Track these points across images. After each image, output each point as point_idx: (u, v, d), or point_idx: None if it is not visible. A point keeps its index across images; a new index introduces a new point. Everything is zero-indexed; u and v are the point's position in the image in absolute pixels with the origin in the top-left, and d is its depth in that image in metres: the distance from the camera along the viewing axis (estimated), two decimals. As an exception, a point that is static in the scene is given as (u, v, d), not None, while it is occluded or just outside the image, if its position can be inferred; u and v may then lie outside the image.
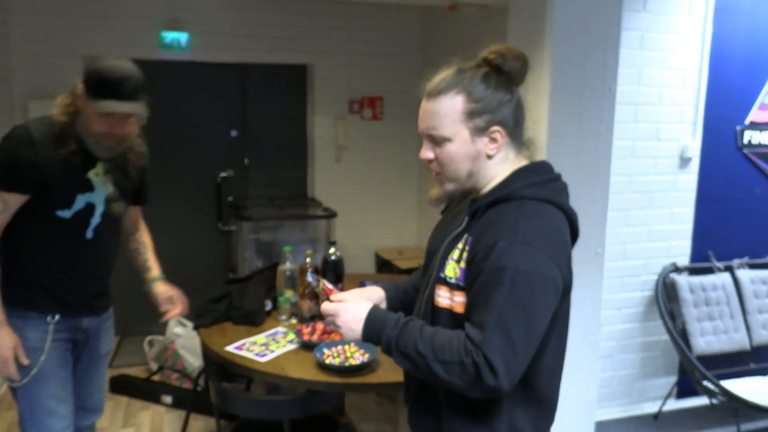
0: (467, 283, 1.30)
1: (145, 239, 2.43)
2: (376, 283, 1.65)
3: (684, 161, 3.45)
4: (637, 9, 3.22)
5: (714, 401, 3.32)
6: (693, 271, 3.52)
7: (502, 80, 1.34)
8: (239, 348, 2.41)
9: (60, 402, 2.06)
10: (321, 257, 2.82)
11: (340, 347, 2.31)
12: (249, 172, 4.76)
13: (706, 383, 3.23)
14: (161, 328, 4.06)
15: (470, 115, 1.32)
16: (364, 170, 4.88)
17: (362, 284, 1.71)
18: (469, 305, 1.29)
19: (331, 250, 2.76)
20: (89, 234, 2.04)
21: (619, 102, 3.20)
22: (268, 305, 2.79)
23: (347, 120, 4.78)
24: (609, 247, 3.32)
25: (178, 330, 3.78)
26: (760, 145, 3.54)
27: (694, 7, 3.31)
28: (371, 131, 4.84)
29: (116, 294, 4.76)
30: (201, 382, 3.30)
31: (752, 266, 3.58)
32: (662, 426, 3.50)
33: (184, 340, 3.72)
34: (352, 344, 2.34)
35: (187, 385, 3.65)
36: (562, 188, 1.41)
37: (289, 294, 2.73)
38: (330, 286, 1.47)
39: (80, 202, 1.98)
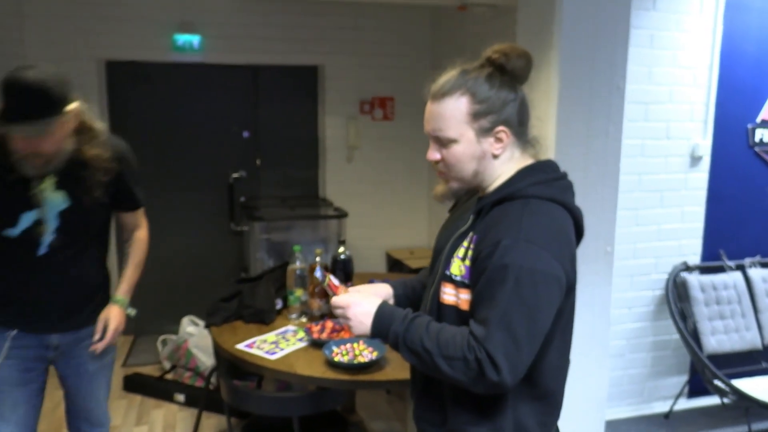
0: (472, 281, 1.32)
1: (133, 250, 2.22)
2: (385, 281, 1.67)
3: (695, 160, 3.44)
4: (647, 7, 3.22)
5: (725, 400, 3.30)
6: (704, 270, 3.50)
7: (506, 80, 1.35)
8: (250, 346, 2.45)
9: (1, 421, 1.95)
10: (331, 256, 2.85)
11: (348, 345, 2.34)
12: (261, 172, 4.80)
13: (717, 382, 3.21)
14: (174, 328, 4.11)
15: (475, 116, 1.33)
16: (375, 170, 4.90)
17: (371, 282, 1.72)
18: (474, 303, 1.30)
19: (341, 249, 2.78)
20: (42, 251, 1.91)
21: (629, 101, 3.20)
22: (279, 304, 2.82)
23: (358, 120, 4.80)
24: (619, 246, 3.31)
25: (190, 329, 3.82)
26: (772, 143, 3.52)
27: (705, 5, 3.30)
28: (382, 131, 4.86)
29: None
30: (213, 380, 3.34)
31: (764, 265, 3.56)
32: (673, 425, 3.48)
33: (197, 339, 3.76)
34: (361, 342, 2.36)
35: (199, 383, 3.69)
36: (568, 187, 1.42)
37: (299, 293, 2.76)
38: (336, 282, 1.49)
39: (26, 220, 1.86)
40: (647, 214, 3.41)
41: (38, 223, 1.86)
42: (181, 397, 3.64)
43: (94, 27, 4.21)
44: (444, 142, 1.36)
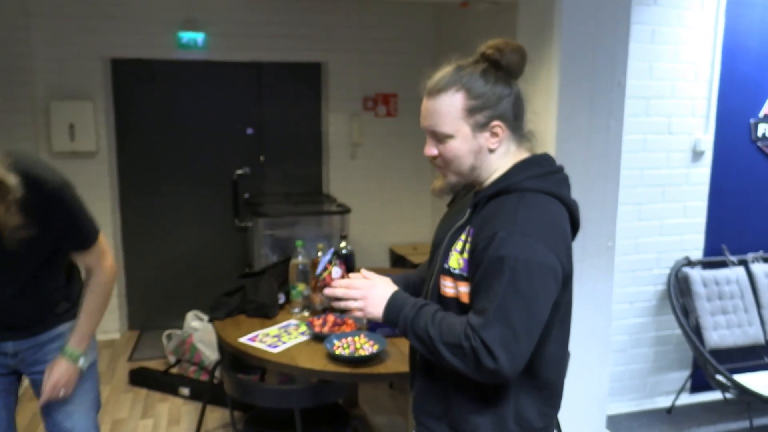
0: (470, 273, 1.34)
1: (86, 297, 1.90)
2: (387, 275, 1.69)
3: (697, 155, 3.44)
4: (648, 3, 3.22)
5: (727, 395, 3.31)
6: (706, 264, 3.51)
7: (500, 75, 1.36)
8: (252, 339, 2.47)
9: None
10: (333, 251, 2.87)
11: (350, 339, 2.36)
12: (265, 169, 4.83)
13: (719, 377, 3.22)
14: (179, 323, 4.15)
15: (471, 111, 1.34)
16: (379, 167, 4.93)
17: None
18: (472, 294, 1.32)
19: (342, 244, 2.80)
20: None
21: (631, 96, 3.21)
22: (281, 298, 2.85)
23: (361, 117, 4.83)
24: (621, 241, 3.32)
25: (195, 324, 3.86)
26: (774, 138, 3.52)
27: (706, 0, 3.29)
28: (385, 128, 4.88)
29: (135, 291, 4.90)
30: (217, 374, 3.37)
31: (767, 260, 3.56)
32: (675, 420, 3.49)
33: (201, 333, 3.79)
34: (362, 336, 2.38)
35: (204, 377, 3.72)
36: (563, 180, 1.43)
37: (301, 287, 2.79)
38: (335, 275, 1.50)
39: None
40: (649, 209, 3.42)
41: None
42: (185, 391, 3.67)
43: (100, 25, 4.25)
44: (440, 138, 1.38)
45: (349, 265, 2.79)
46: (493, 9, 3.79)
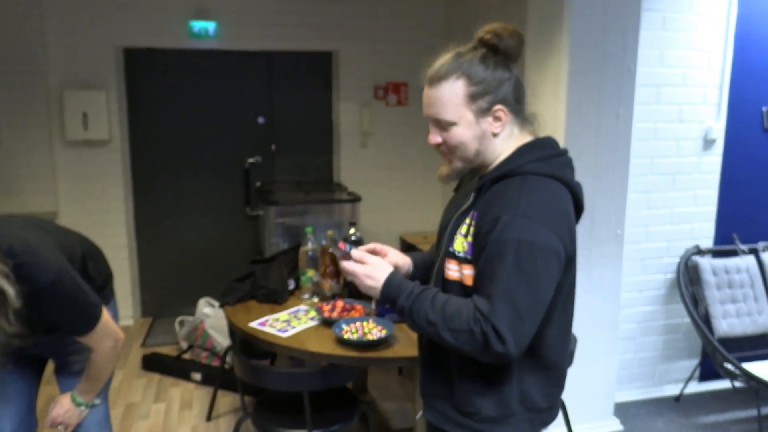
0: (474, 257, 1.35)
1: (87, 366, 1.90)
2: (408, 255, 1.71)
3: (708, 143, 3.42)
4: (660, -11, 3.20)
5: (736, 384, 3.30)
6: (716, 253, 3.50)
7: (499, 59, 1.37)
8: (262, 324, 2.51)
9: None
10: (342, 238, 2.90)
11: (358, 323, 2.39)
12: (276, 157, 4.86)
13: (727, 366, 3.21)
14: (191, 309, 4.21)
15: (472, 97, 1.35)
16: (389, 155, 4.94)
17: None
18: (476, 278, 1.34)
19: (351, 231, 2.83)
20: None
21: (641, 84, 3.20)
22: (291, 284, 2.88)
23: (372, 106, 4.84)
24: (631, 229, 3.32)
25: (207, 310, 3.91)
26: (787, 127, 3.49)
27: (719, -13, 3.27)
28: (396, 117, 4.89)
29: (148, 279, 4.96)
30: (229, 360, 3.42)
31: (778, 249, 3.54)
32: (684, 408, 3.49)
33: (213, 320, 3.84)
34: (370, 320, 2.41)
35: (215, 363, 3.78)
36: (566, 163, 1.44)
37: (311, 273, 2.82)
38: (339, 253, 1.49)
39: None
40: (659, 197, 3.41)
41: None
42: (197, 376, 3.73)
43: (112, 15, 4.28)
44: (444, 126, 1.39)
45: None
46: (504, -3, 3.78)
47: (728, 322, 3.36)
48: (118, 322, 2.08)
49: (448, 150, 1.42)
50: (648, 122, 3.30)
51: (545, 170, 1.36)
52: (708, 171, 3.46)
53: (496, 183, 1.38)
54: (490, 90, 1.35)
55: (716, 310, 3.36)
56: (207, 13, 4.43)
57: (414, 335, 2.13)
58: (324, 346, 2.30)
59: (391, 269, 1.43)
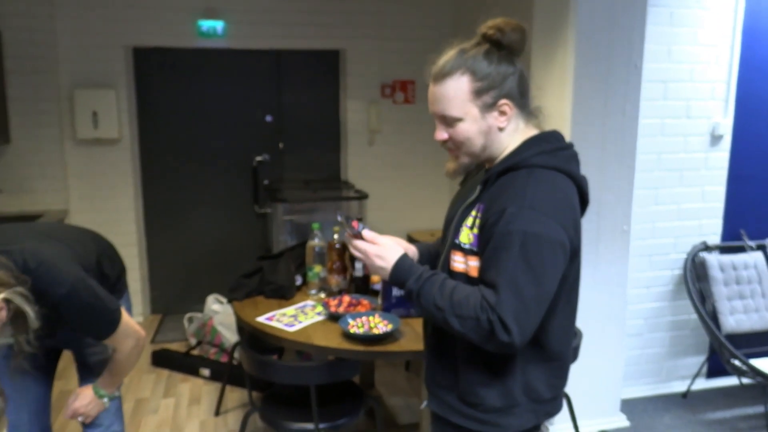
0: (480, 248, 1.37)
1: (111, 361, 1.96)
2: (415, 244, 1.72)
3: (715, 139, 3.41)
4: (666, -15, 3.19)
5: (744, 380, 3.29)
6: (724, 249, 3.49)
7: (503, 54, 1.38)
8: (270, 319, 2.54)
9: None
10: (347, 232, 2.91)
11: (364, 318, 2.41)
12: (284, 155, 4.89)
13: (735, 362, 3.21)
14: (200, 306, 4.24)
15: (477, 93, 1.37)
16: (396, 153, 4.96)
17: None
18: (482, 268, 1.35)
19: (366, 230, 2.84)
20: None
21: (648, 79, 3.20)
22: (298, 280, 2.91)
23: (379, 104, 4.85)
24: (638, 225, 3.32)
25: (215, 307, 3.94)
26: (795, 122, 3.47)
27: (726, -18, 3.26)
28: (403, 115, 4.90)
29: (158, 276, 5.00)
30: (237, 356, 3.44)
31: (787, 245, 3.53)
32: (691, 405, 3.49)
33: (222, 316, 3.87)
34: (376, 315, 2.43)
35: (224, 359, 3.81)
36: (572, 156, 1.45)
37: (318, 269, 2.84)
38: (352, 231, 1.49)
39: None
40: (666, 193, 3.40)
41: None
42: (206, 372, 3.76)
43: (122, 15, 4.32)
44: (450, 122, 1.40)
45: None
46: (510, -6, 3.78)
47: (736, 319, 3.35)
48: (132, 314, 2.12)
49: (454, 146, 1.43)
50: (655, 118, 3.30)
51: (551, 163, 1.37)
52: (715, 167, 3.45)
53: (502, 176, 1.39)
54: (494, 85, 1.36)
55: (723, 307, 3.36)
56: (215, 13, 4.46)
57: (420, 330, 2.14)
58: (330, 340, 2.32)
59: (402, 251, 1.44)
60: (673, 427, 3.25)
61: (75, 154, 4.39)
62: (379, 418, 2.60)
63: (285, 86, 4.82)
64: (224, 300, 3.99)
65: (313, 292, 2.84)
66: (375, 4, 4.71)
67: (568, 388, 2.68)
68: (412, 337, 2.35)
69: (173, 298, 4.84)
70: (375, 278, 2.84)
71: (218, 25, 4.47)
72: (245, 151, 4.80)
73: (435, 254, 1.64)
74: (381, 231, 1.54)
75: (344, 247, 2.79)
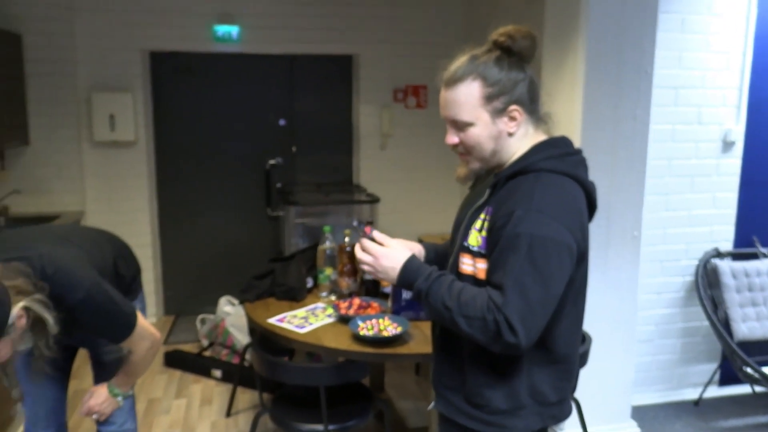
0: (488, 251, 1.39)
1: (126, 362, 1.99)
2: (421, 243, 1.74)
3: (727, 145, 3.40)
4: (678, -9, 3.20)
5: (756, 388, 3.27)
6: (736, 256, 3.47)
7: (513, 60, 1.40)
8: (281, 320, 2.57)
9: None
10: (359, 236, 2.94)
11: (374, 320, 2.43)
12: (297, 159, 4.93)
13: (747, 370, 3.19)
14: (212, 308, 4.28)
15: (488, 98, 1.39)
16: (408, 157, 4.98)
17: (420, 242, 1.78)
18: (490, 270, 1.37)
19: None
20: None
21: (659, 85, 3.20)
22: (309, 282, 2.94)
23: (392, 108, 4.88)
24: (648, 231, 3.32)
25: (227, 309, 3.98)
26: (809, 129, 3.45)
27: (739, -12, 3.26)
28: (415, 119, 4.93)
29: (171, 277, 5.06)
30: (248, 357, 3.48)
31: (800, 252, 3.51)
32: (703, 412, 3.47)
33: (234, 318, 3.91)
34: (386, 318, 2.45)
35: (235, 360, 3.84)
36: (580, 162, 1.47)
37: (329, 271, 2.87)
38: (365, 236, 1.52)
39: None
40: (677, 199, 3.40)
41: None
42: (218, 373, 3.80)
43: (139, 19, 4.39)
44: (461, 126, 1.43)
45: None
46: None
47: (748, 326, 3.33)
48: (146, 315, 2.16)
49: (465, 150, 1.46)
50: (666, 124, 3.30)
51: (559, 168, 1.39)
52: (727, 173, 3.44)
53: (510, 180, 1.41)
54: (505, 90, 1.39)
55: (736, 314, 3.34)
56: (230, 18, 4.52)
57: (429, 333, 2.16)
58: (340, 342, 2.34)
59: (410, 253, 1.46)
60: (683, 434, 3.24)
61: (92, 156, 4.46)
62: (388, 421, 2.62)
63: (298, 90, 4.86)
64: (236, 302, 4.02)
65: (324, 294, 2.87)
66: (388, 10, 4.75)
67: (578, 394, 2.69)
68: (421, 339, 2.37)
69: (186, 299, 4.89)
70: (385, 282, 2.85)
71: (233, 30, 4.52)
72: (258, 155, 4.85)
73: (442, 254, 1.66)
74: (392, 234, 1.56)
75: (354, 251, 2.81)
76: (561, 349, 1.44)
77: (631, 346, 3.13)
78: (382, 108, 4.86)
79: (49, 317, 1.56)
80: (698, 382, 3.60)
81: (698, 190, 3.41)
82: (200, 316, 4.23)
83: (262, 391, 2.65)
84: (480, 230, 1.42)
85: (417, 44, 4.79)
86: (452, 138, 1.46)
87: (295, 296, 2.82)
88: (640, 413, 3.38)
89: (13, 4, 4.14)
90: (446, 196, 5.04)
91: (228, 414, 3.37)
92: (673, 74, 3.25)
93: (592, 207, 1.46)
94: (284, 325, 2.52)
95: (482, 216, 1.43)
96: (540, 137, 1.45)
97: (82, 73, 4.36)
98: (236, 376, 3.47)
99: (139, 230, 4.58)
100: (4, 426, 2.83)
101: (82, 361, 2.19)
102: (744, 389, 3.64)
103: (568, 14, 2.87)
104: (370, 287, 2.85)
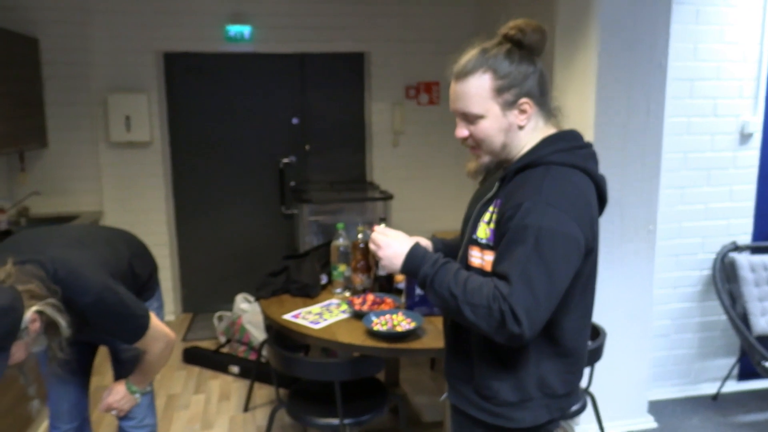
0: (496, 243, 1.39)
1: (141, 360, 2.01)
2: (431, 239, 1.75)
3: (744, 137, 3.37)
4: (692, -18, 3.17)
5: (775, 382, 3.24)
6: (755, 249, 3.43)
7: (524, 54, 1.41)
8: (296, 317, 2.59)
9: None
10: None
11: (388, 316, 2.44)
12: (309, 157, 4.96)
13: (765, 364, 3.15)
14: (229, 305, 4.33)
15: (499, 91, 1.39)
16: (421, 154, 4.98)
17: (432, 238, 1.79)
18: (496, 260, 1.37)
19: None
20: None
21: (674, 78, 3.18)
22: (323, 279, 2.95)
23: (404, 105, 4.89)
24: (664, 225, 3.29)
25: (244, 306, 4.01)
26: (828, 119, 3.40)
27: (754, -22, 3.22)
28: (427, 116, 4.93)
29: (188, 276, 5.10)
30: (265, 353, 3.51)
31: (819, 245, 3.46)
32: (721, 407, 3.44)
33: (250, 315, 3.94)
34: (400, 313, 2.46)
35: (252, 356, 3.88)
36: (590, 155, 1.46)
37: (342, 268, 2.88)
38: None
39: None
40: (693, 192, 3.37)
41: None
42: (235, 369, 3.84)
43: (153, 21, 4.44)
44: (471, 119, 1.43)
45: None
46: (534, -6, 3.79)
47: (767, 320, 3.30)
48: (164, 312, 2.19)
49: (475, 143, 1.46)
50: (682, 116, 3.27)
51: (568, 161, 1.39)
52: (745, 166, 3.40)
53: (519, 173, 1.42)
54: (515, 83, 1.39)
55: (754, 308, 3.31)
56: (242, 18, 4.55)
57: (442, 327, 2.17)
58: (354, 337, 2.36)
59: (414, 241, 1.47)
60: (701, 429, 3.22)
61: (108, 156, 4.52)
62: (403, 415, 2.63)
63: (310, 89, 4.88)
64: (252, 299, 4.06)
65: (338, 290, 2.89)
66: (398, 7, 4.75)
67: (593, 388, 2.69)
68: (435, 334, 2.38)
69: (203, 297, 4.94)
70: (399, 277, 2.87)
71: (245, 29, 4.55)
72: (272, 153, 4.88)
73: (451, 247, 1.67)
74: (405, 231, 1.57)
75: (368, 248, 2.82)
76: (569, 341, 1.44)
77: (646, 341, 3.12)
78: (394, 105, 4.87)
79: (62, 321, 1.59)
80: (716, 377, 3.57)
81: (715, 183, 3.38)
82: (217, 314, 4.28)
83: (278, 386, 2.68)
84: (488, 223, 1.43)
85: (428, 41, 4.79)
86: (462, 131, 1.46)
87: (310, 293, 2.84)
88: (657, 408, 3.36)
89: (30, 9, 4.21)
90: (459, 192, 5.03)
91: (245, 409, 3.41)
92: (688, 66, 3.22)
93: (602, 200, 1.46)
94: (299, 321, 2.54)
95: (491, 209, 1.44)
96: (550, 130, 1.46)
97: (98, 75, 4.42)
98: (253, 371, 3.50)
99: (155, 229, 4.63)
100: (24, 426, 2.88)
101: (104, 357, 2.23)
102: (763, 384, 3.61)
103: (580, 8, 2.86)
104: (384, 283, 2.86)
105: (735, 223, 3.45)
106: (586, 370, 2.65)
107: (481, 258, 1.44)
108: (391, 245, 1.45)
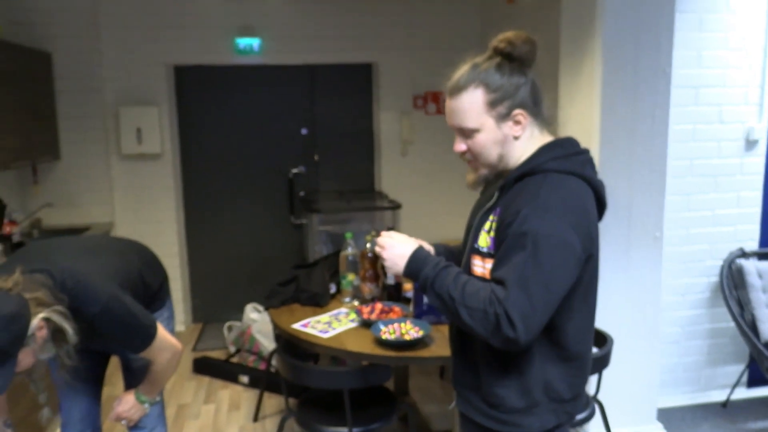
0: (496, 250, 1.42)
1: (149, 371, 2.03)
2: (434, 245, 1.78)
3: (750, 144, 3.38)
4: (695, -9, 3.19)
5: (785, 389, 3.23)
6: (762, 256, 3.43)
7: (515, 66, 1.44)
8: (305, 326, 2.61)
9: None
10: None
11: (396, 325, 2.47)
12: (319, 167, 5.00)
13: (775, 370, 3.15)
14: (239, 315, 4.36)
15: (492, 104, 1.43)
16: (429, 163, 5.02)
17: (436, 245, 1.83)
18: (494, 266, 1.40)
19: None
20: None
21: (679, 85, 3.20)
22: (332, 288, 2.98)
23: (412, 115, 4.93)
24: (671, 231, 3.30)
25: (254, 316, 4.05)
26: (835, 125, 3.40)
27: (757, -15, 3.23)
28: (435, 125, 4.96)
29: (198, 286, 5.15)
30: (274, 363, 3.53)
31: (828, 251, 3.45)
32: (731, 414, 3.43)
33: (260, 325, 3.97)
34: (408, 322, 2.49)
35: (262, 366, 3.91)
36: (587, 161, 1.49)
37: (351, 277, 2.91)
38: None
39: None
40: (700, 199, 3.37)
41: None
42: (245, 379, 3.87)
43: (163, 34, 4.51)
44: (467, 133, 1.47)
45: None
46: (538, 4, 3.83)
47: (776, 326, 3.29)
48: (174, 322, 2.22)
49: (473, 157, 1.50)
50: (687, 124, 3.28)
51: (566, 167, 1.41)
52: (751, 172, 3.41)
53: (518, 181, 1.44)
54: (507, 96, 1.42)
55: (763, 314, 3.30)
56: (251, 30, 4.62)
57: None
58: (363, 346, 2.38)
59: (418, 245, 1.51)
60: (711, 436, 3.21)
61: (120, 168, 4.58)
62: (413, 424, 2.65)
63: (319, 99, 4.93)
64: (262, 309, 4.09)
65: (347, 299, 2.92)
66: (405, 17, 4.80)
67: (602, 395, 2.70)
68: (443, 343, 2.39)
69: (213, 307, 4.98)
70: (407, 286, 2.90)
71: (254, 42, 4.62)
72: (281, 164, 4.93)
73: (453, 254, 1.70)
74: (414, 239, 1.60)
75: (376, 257, 2.85)
76: (573, 345, 1.46)
77: (655, 348, 3.12)
78: (402, 115, 4.91)
79: (69, 328, 1.61)
80: (726, 384, 3.56)
81: (722, 190, 3.39)
82: (227, 324, 4.31)
83: (288, 395, 2.70)
84: (489, 231, 1.45)
85: (435, 50, 4.83)
86: (460, 146, 1.50)
87: (319, 302, 2.87)
88: (666, 415, 3.36)
89: (43, 24, 4.29)
90: (468, 201, 5.02)
91: (255, 419, 3.43)
92: (692, 74, 3.24)
93: (602, 205, 1.48)
94: (308, 330, 2.56)
95: (491, 218, 1.47)
96: (546, 139, 1.48)
97: (110, 89, 4.49)
98: (263, 381, 3.53)
99: (166, 240, 4.69)
100: (38, 432, 2.92)
101: (115, 368, 2.26)
102: (774, 390, 3.60)
103: (584, 16, 2.89)
104: (392, 292, 2.89)
105: (742, 229, 3.45)
106: (594, 378, 2.66)
107: (483, 267, 1.46)
108: (396, 247, 1.49)
